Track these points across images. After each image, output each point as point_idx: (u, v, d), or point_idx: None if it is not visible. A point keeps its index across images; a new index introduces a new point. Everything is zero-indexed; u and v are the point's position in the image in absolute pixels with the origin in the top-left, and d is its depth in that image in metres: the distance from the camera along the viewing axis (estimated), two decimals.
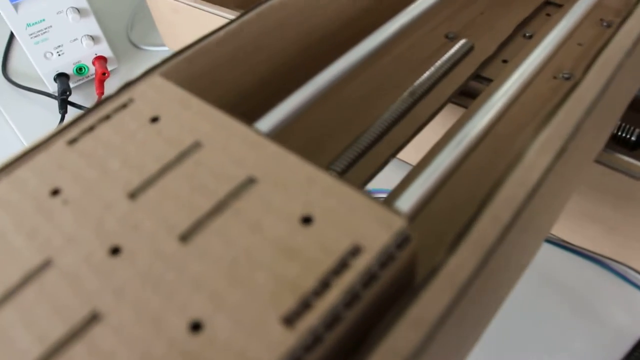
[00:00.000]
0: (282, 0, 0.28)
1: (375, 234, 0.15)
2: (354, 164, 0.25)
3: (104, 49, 0.61)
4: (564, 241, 0.40)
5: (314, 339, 0.14)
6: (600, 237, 0.39)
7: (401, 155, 0.29)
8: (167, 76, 0.23)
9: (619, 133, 0.40)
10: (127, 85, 0.22)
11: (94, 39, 0.60)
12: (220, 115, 0.20)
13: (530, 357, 0.36)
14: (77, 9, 0.58)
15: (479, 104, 0.25)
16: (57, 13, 0.58)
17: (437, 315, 0.15)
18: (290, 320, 0.14)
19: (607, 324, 0.37)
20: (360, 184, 0.28)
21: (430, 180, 0.21)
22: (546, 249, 0.39)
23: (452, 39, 0.38)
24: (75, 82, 0.61)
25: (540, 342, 0.37)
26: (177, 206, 0.17)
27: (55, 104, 0.59)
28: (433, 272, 0.16)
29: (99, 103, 0.21)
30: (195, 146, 0.19)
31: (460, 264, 0.16)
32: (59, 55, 0.59)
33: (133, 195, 0.18)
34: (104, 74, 0.59)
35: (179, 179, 0.18)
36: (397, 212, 0.16)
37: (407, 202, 0.20)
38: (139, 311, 0.15)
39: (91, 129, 0.20)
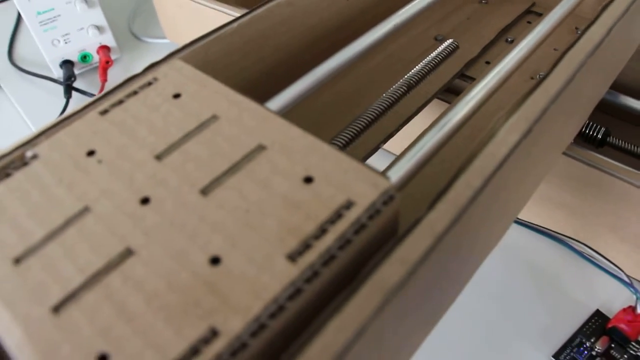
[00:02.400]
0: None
1: (365, 192, 0.18)
2: (347, 146, 0.28)
3: (108, 39, 0.64)
4: (532, 223, 0.43)
5: (313, 273, 0.17)
6: (564, 220, 0.42)
7: (391, 148, 0.32)
8: (186, 60, 0.26)
9: (587, 131, 0.43)
10: (151, 67, 0.25)
11: (99, 28, 0.63)
12: (234, 94, 0.23)
13: (499, 326, 0.40)
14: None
15: (461, 99, 0.28)
16: (67, 3, 0.60)
17: (418, 255, 0.18)
18: (293, 257, 0.17)
19: (567, 298, 0.40)
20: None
21: (416, 157, 0.24)
22: (516, 230, 0.43)
23: (440, 41, 0.41)
24: (80, 69, 0.64)
25: (508, 312, 0.40)
26: (198, 166, 0.20)
27: (60, 89, 0.61)
28: (415, 223, 0.19)
29: (126, 81, 0.24)
30: (213, 118, 0.22)
31: (438, 217, 0.19)
32: (66, 43, 0.62)
33: (159, 157, 0.21)
34: (107, 62, 0.62)
35: (199, 145, 0.21)
36: (383, 176, 0.19)
37: (396, 172, 0.23)
38: (166, 248, 0.18)
39: (120, 102, 0.23)
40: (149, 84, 0.24)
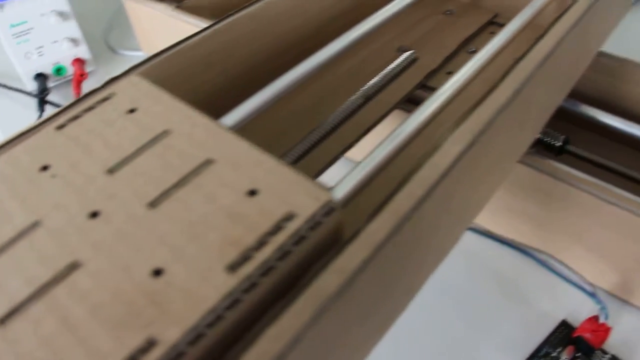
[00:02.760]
0: (251, 13, 0.32)
1: (306, 204, 0.19)
2: (305, 156, 0.29)
3: (83, 52, 0.65)
4: (499, 235, 0.44)
5: (251, 284, 0.18)
6: (530, 232, 0.43)
7: (355, 156, 0.33)
8: (146, 75, 0.27)
9: (546, 139, 0.44)
10: (109, 82, 0.26)
11: (73, 41, 0.63)
12: (187, 109, 0.23)
13: (466, 337, 0.40)
14: (59, 12, 0.61)
15: (415, 111, 0.29)
16: (41, 15, 0.61)
17: (356, 265, 0.19)
18: (232, 268, 0.18)
19: (534, 309, 0.41)
20: (313, 175, 0.32)
21: (365, 170, 0.25)
22: (484, 242, 0.43)
23: (403, 52, 0.42)
24: (54, 82, 0.64)
25: (475, 323, 0.41)
26: (148, 180, 0.21)
27: (33, 102, 0.62)
28: (355, 234, 0.20)
29: (84, 96, 0.25)
30: (165, 133, 0.23)
31: (377, 227, 0.20)
32: (39, 55, 0.62)
33: (111, 171, 0.21)
34: (81, 75, 0.62)
35: (150, 159, 0.22)
36: (325, 188, 0.20)
37: (346, 183, 0.24)
38: (112, 260, 0.18)
39: (77, 117, 0.24)
40: (106, 99, 0.25)
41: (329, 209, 0.19)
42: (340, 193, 0.24)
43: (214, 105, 0.30)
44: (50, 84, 0.63)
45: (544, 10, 0.38)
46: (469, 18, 0.47)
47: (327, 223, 0.19)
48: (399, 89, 0.38)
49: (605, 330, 0.38)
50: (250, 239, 0.18)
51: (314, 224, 0.19)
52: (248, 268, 0.18)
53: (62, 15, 0.61)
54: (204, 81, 0.30)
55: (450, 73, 0.40)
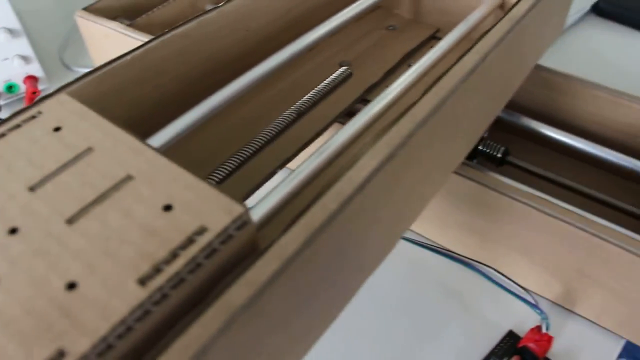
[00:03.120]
0: (184, 31, 0.33)
1: (219, 218, 0.20)
2: (236, 171, 0.29)
3: (36, 69, 0.64)
4: (447, 249, 0.45)
5: (162, 296, 0.18)
6: (477, 245, 0.44)
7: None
8: (77, 94, 0.27)
9: (487, 150, 0.45)
10: (39, 101, 0.26)
11: (25, 59, 0.63)
12: (112, 127, 0.24)
13: (414, 348, 0.41)
14: (9, 29, 0.61)
15: (344, 126, 0.30)
16: None
17: (266, 277, 0.19)
18: (143, 281, 0.18)
19: (480, 320, 0.42)
20: (249, 190, 0.33)
21: (291, 184, 0.26)
22: (432, 257, 0.44)
23: (345, 66, 0.43)
24: (5, 100, 0.64)
25: (423, 335, 0.42)
26: (68, 197, 0.21)
27: None
28: (267, 247, 0.20)
29: (13, 115, 0.25)
30: (88, 150, 0.23)
31: (288, 241, 0.21)
32: None
33: (33, 188, 0.22)
34: (34, 92, 0.62)
35: (72, 176, 0.22)
36: (239, 203, 0.20)
37: (265, 204, 0.25)
38: (27, 276, 0.19)
39: (3, 135, 0.24)
40: (33, 117, 0.25)
41: (241, 222, 0.20)
42: (265, 207, 0.25)
43: (149, 122, 0.31)
44: (2, 101, 0.63)
45: (483, 24, 0.40)
46: (411, 33, 0.48)
47: (240, 236, 0.20)
48: (339, 102, 0.39)
49: (548, 340, 0.39)
50: (162, 253, 0.19)
51: (225, 237, 0.20)
52: (159, 281, 0.18)
53: (11, 32, 0.61)
54: (137, 99, 0.31)
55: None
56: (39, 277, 0.19)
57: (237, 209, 0.20)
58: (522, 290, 0.40)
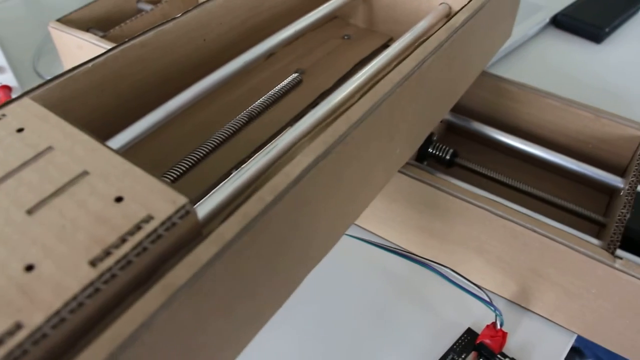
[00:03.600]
0: (142, 41, 0.35)
1: (164, 208, 0.22)
2: (188, 172, 0.32)
3: (9, 79, 0.66)
4: (406, 251, 0.47)
5: (111, 276, 0.21)
6: (437, 247, 0.47)
7: None
8: (41, 98, 0.30)
9: (437, 152, 0.48)
10: (3, 105, 0.28)
11: None
12: (72, 128, 0.26)
13: (375, 344, 0.44)
14: None
15: (289, 129, 0.33)
16: None
17: (205, 260, 0.22)
18: (94, 263, 0.21)
19: (442, 319, 0.45)
20: (206, 188, 0.35)
21: (234, 183, 0.28)
22: (394, 258, 0.46)
23: (300, 74, 0.45)
24: None
25: (385, 332, 0.44)
26: (28, 190, 0.23)
27: None
28: (208, 234, 0.23)
29: None
30: (48, 149, 0.25)
31: (227, 228, 0.23)
32: None
33: None
34: None
35: (32, 172, 0.24)
36: (182, 194, 0.23)
37: (212, 200, 0.27)
38: None
39: None
40: None
41: (184, 212, 0.22)
42: (211, 202, 0.27)
43: (109, 125, 0.33)
44: None
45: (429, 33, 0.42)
46: (364, 42, 0.51)
47: (183, 224, 0.22)
48: (293, 108, 0.41)
49: (503, 336, 0.41)
50: (112, 238, 0.21)
51: (170, 225, 0.22)
52: (108, 262, 0.21)
53: None
54: (98, 104, 0.33)
55: None
56: (0, 260, 0.21)
57: (180, 200, 0.23)
58: (477, 289, 0.42)
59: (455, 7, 0.47)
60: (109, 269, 0.20)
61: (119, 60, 0.34)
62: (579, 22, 0.82)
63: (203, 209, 0.27)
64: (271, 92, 0.36)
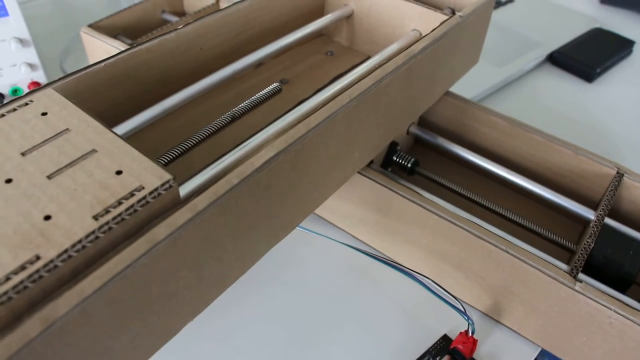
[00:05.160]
0: (148, 47, 0.42)
1: (153, 181, 0.29)
2: (179, 158, 0.38)
3: (40, 76, 0.72)
4: (392, 260, 0.51)
5: (108, 228, 0.27)
6: (424, 260, 0.51)
7: None
8: (60, 89, 0.36)
9: (400, 161, 0.55)
10: (30, 93, 0.35)
11: (31, 66, 0.70)
12: (85, 115, 0.33)
13: (356, 343, 0.48)
14: (19, 39, 0.69)
15: (262, 129, 0.39)
16: (1, 41, 0.68)
17: (181, 222, 0.29)
18: (96, 217, 0.27)
19: (420, 324, 0.49)
20: (192, 173, 0.42)
21: (212, 170, 0.35)
22: (376, 265, 0.51)
23: (285, 83, 0.52)
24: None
25: (366, 333, 0.49)
26: (49, 161, 0.30)
27: None
28: (184, 203, 0.30)
29: (10, 101, 0.34)
30: (66, 130, 0.32)
31: (200, 200, 0.30)
32: None
33: (24, 154, 0.31)
34: None
35: (52, 147, 0.31)
36: (167, 171, 0.30)
37: (193, 182, 0.34)
38: (17, 209, 0.28)
39: (2, 115, 0.33)
40: (26, 104, 0.34)
41: (168, 185, 0.29)
42: (193, 183, 0.34)
43: (116, 115, 0.40)
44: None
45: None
46: (345, 58, 0.58)
47: (166, 194, 0.29)
48: (274, 112, 0.48)
49: (473, 342, 0.44)
50: (111, 200, 0.28)
51: (156, 194, 0.29)
52: (107, 217, 0.27)
53: (22, 42, 0.69)
54: (108, 97, 0.40)
55: None
56: (25, 211, 0.28)
57: (166, 176, 0.29)
58: (453, 299, 0.46)
59: (425, 33, 0.54)
60: (107, 222, 0.27)
61: (127, 62, 0.41)
62: (573, 61, 0.87)
63: (186, 187, 0.34)
64: (253, 97, 0.43)
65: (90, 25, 0.68)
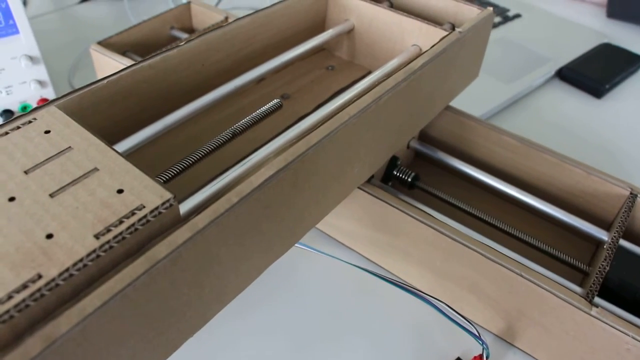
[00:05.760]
0: (150, 64, 0.43)
1: (153, 200, 0.29)
2: (179, 175, 0.39)
3: (49, 93, 0.72)
4: (406, 283, 0.50)
5: (109, 247, 0.28)
6: (434, 281, 0.51)
7: None
8: (64, 106, 0.37)
9: (400, 175, 0.55)
10: (33, 110, 0.36)
11: (41, 83, 0.70)
12: (87, 133, 0.34)
13: None
14: (30, 56, 0.69)
15: (262, 146, 0.40)
16: (12, 58, 0.68)
17: (181, 241, 0.29)
18: (98, 236, 0.28)
19: (434, 347, 0.49)
20: (192, 191, 0.42)
21: (212, 188, 0.36)
22: (393, 290, 0.49)
23: (285, 98, 0.53)
24: None
25: (381, 355, 0.48)
26: (51, 179, 0.31)
27: None
28: (184, 222, 0.30)
29: (14, 119, 0.35)
30: (68, 149, 0.33)
31: (199, 219, 0.30)
32: (8, 94, 0.69)
33: (26, 172, 0.31)
34: None
35: (55, 165, 0.32)
36: (168, 190, 0.30)
37: (193, 199, 0.34)
38: (20, 228, 0.28)
39: (6, 133, 0.34)
40: (30, 122, 0.35)
41: (169, 204, 0.30)
42: (193, 201, 0.34)
43: (117, 132, 0.40)
44: None
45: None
46: (345, 73, 0.58)
47: (167, 213, 0.30)
48: (274, 128, 0.49)
49: None
50: (112, 219, 0.28)
51: (157, 213, 0.29)
52: (108, 236, 0.28)
53: (32, 59, 0.69)
54: (109, 114, 0.40)
55: None
56: (28, 229, 0.28)
57: (166, 195, 0.30)
58: (468, 323, 0.45)
59: (425, 49, 0.54)
60: (108, 241, 0.28)
61: (129, 79, 0.41)
62: (582, 77, 0.87)
63: (186, 205, 0.34)
64: (254, 114, 0.43)
65: (99, 43, 0.68)
